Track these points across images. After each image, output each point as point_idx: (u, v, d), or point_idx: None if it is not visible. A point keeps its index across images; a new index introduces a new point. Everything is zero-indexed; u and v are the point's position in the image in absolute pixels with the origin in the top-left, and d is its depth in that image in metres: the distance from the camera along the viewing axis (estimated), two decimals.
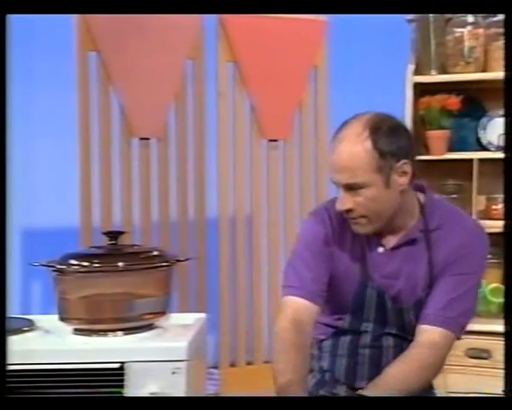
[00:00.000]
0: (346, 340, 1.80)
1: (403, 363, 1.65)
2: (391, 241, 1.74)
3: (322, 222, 1.77)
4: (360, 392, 1.59)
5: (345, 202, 1.64)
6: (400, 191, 1.65)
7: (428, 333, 1.67)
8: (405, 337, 1.75)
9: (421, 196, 1.76)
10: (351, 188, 1.62)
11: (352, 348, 1.79)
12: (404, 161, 1.63)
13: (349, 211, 1.66)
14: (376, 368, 1.73)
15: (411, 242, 1.72)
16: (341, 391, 1.77)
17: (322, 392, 1.79)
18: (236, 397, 1.51)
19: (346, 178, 1.62)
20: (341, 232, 1.74)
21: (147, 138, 3.27)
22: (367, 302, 1.75)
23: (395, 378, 1.62)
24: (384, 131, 1.61)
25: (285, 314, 1.70)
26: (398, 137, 1.63)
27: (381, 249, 1.74)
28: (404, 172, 1.64)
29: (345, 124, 1.65)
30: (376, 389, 1.57)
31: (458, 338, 1.72)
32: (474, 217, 1.81)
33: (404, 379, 1.62)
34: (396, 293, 1.73)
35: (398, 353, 1.72)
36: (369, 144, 1.59)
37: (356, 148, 1.60)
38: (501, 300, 2.92)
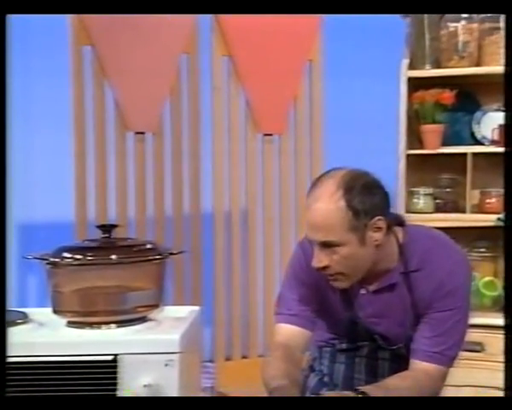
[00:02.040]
0: (342, 356, 1.84)
1: (402, 379, 1.67)
2: (372, 284, 1.75)
3: (309, 255, 1.75)
4: (360, 388, 1.61)
5: (321, 259, 1.65)
6: (376, 245, 1.66)
7: (420, 366, 1.69)
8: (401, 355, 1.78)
9: (400, 233, 1.74)
10: (327, 245, 1.63)
11: (349, 358, 1.83)
12: (379, 217, 1.62)
13: (325, 268, 1.66)
14: (373, 377, 1.76)
15: (391, 286, 1.73)
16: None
17: (322, 392, 1.81)
18: (233, 397, 1.53)
19: (320, 236, 1.62)
20: (326, 282, 1.75)
21: (142, 132, 3.27)
22: (359, 334, 1.79)
23: (393, 388, 1.64)
24: (357, 189, 1.61)
25: (276, 342, 1.75)
26: (371, 194, 1.62)
27: (363, 291, 1.76)
28: (379, 228, 1.64)
29: (319, 181, 1.65)
30: (376, 389, 1.60)
31: (450, 367, 1.73)
32: (457, 249, 1.80)
33: (400, 393, 1.63)
34: (383, 332, 1.76)
35: (395, 366, 1.75)
36: (342, 204, 1.59)
37: (330, 207, 1.60)
38: (494, 293, 2.93)
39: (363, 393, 1.56)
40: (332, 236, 1.61)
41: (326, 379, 1.86)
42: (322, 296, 1.78)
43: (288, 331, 1.76)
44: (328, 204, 1.60)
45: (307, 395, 1.82)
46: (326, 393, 1.77)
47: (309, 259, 1.73)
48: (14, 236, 3.50)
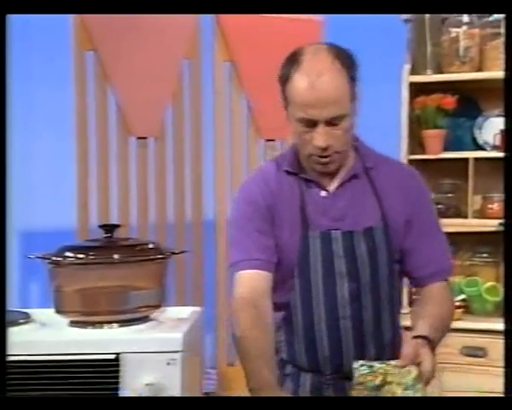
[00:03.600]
0: (299, 323, 1.72)
1: (439, 306, 1.69)
2: (333, 182, 1.73)
3: (254, 189, 1.75)
4: (419, 333, 1.56)
5: (326, 137, 1.61)
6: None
7: (441, 285, 1.75)
8: (360, 294, 1.68)
9: None
10: (331, 122, 1.60)
11: (307, 329, 1.71)
12: (358, 84, 1.64)
13: (326, 148, 1.63)
14: (337, 345, 1.68)
15: (354, 177, 1.73)
16: (307, 381, 1.73)
17: (287, 385, 1.74)
18: (233, 397, 1.52)
19: (331, 111, 1.58)
20: (278, 192, 1.72)
21: (144, 138, 3.28)
22: (312, 257, 1.69)
23: (439, 320, 1.65)
24: (349, 58, 1.63)
25: (239, 294, 1.68)
26: (355, 61, 1.65)
27: (323, 193, 1.72)
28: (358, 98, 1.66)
29: (303, 57, 1.62)
30: (432, 330, 1.58)
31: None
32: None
33: (445, 321, 1.69)
34: (346, 229, 1.70)
35: (357, 325, 1.68)
36: (344, 73, 1.60)
37: (337, 78, 1.58)
38: (497, 298, 2.93)
39: (425, 337, 1.53)
40: (342, 108, 1.59)
41: (288, 370, 1.75)
42: (276, 228, 1.71)
43: (249, 279, 1.68)
44: (335, 76, 1.58)
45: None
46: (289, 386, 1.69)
47: (257, 191, 1.73)
48: (17, 241, 3.50)
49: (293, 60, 1.65)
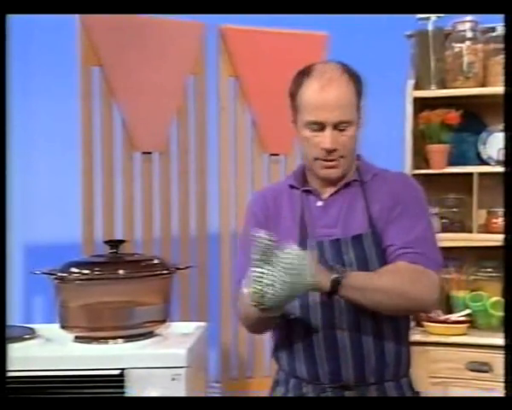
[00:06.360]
0: (298, 334, 1.74)
1: (381, 275, 1.67)
2: (328, 192, 1.81)
3: (254, 201, 1.88)
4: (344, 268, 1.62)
5: (332, 140, 1.72)
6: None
7: (408, 264, 1.70)
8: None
9: None
10: (337, 127, 1.72)
11: (306, 339, 1.73)
12: (363, 101, 1.78)
13: (332, 151, 1.73)
14: (335, 355, 1.70)
15: (348, 185, 1.80)
16: (309, 392, 1.74)
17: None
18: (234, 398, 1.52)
19: (337, 115, 1.71)
20: (276, 204, 1.82)
21: (149, 152, 3.29)
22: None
23: (377, 280, 1.64)
24: (356, 75, 1.78)
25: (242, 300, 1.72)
26: (361, 79, 1.79)
27: (319, 203, 1.81)
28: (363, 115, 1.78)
29: (314, 70, 1.76)
30: (355, 276, 1.61)
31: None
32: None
33: (380, 285, 1.64)
34: (336, 236, 1.75)
35: (355, 336, 1.69)
36: (352, 85, 1.74)
37: (344, 88, 1.72)
38: (502, 313, 2.92)
39: (339, 272, 1.58)
40: (347, 114, 1.72)
41: (291, 385, 1.77)
42: (277, 235, 1.70)
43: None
44: (342, 86, 1.73)
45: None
46: None
47: (269, 197, 1.84)
48: (22, 255, 3.51)
49: (303, 72, 1.79)
